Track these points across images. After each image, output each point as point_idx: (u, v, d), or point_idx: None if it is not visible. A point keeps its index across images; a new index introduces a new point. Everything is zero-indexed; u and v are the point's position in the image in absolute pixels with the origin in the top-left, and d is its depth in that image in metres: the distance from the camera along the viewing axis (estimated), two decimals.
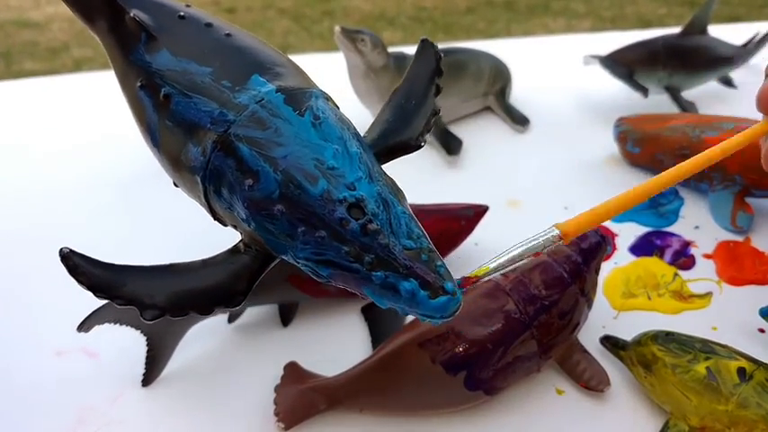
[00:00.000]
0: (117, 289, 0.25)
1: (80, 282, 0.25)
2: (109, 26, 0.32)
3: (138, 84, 0.30)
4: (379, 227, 0.24)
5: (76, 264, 0.25)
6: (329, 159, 0.25)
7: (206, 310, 0.25)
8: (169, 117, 0.28)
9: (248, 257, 0.27)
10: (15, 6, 2.76)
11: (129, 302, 0.25)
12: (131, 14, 0.30)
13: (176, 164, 0.28)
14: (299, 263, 0.25)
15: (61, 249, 0.25)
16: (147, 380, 0.36)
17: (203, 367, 0.37)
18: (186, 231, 0.44)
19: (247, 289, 0.26)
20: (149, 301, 0.25)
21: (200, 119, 0.27)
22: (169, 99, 0.28)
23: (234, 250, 0.27)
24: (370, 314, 0.39)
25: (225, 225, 0.29)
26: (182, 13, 0.31)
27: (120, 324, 0.34)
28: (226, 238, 0.30)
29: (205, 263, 0.27)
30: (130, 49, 0.30)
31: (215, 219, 0.29)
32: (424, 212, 0.40)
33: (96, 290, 0.25)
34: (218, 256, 0.27)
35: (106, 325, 0.34)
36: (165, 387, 0.36)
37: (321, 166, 0.25)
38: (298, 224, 0.24)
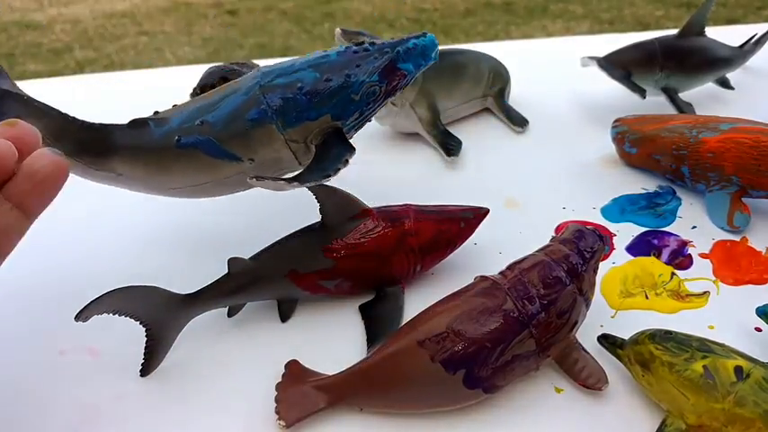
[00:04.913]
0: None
1: None
2: (125, 139, 0.38)
3: (176, 139, 0.37)
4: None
5: None
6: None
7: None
8: (215, 124, 0.37)
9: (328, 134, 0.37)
10: (19, 8, 2.77)
11: None
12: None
13: (247, 139, 0.37)
14: (362, 86, 0.37)
15: None
16: (146, 370, 0.36)
17: (204, 365, 0.37)
18: (181, 219, 0.44)
19: (349, 144, 0.37)
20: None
21: (238, 102, 0.37)
22: (205, 121, 0.37)
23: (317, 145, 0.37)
24: (367, 313, 0.40)
25: (300, 163, 0.39)
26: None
27: (119, 314, 0.34)
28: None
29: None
30: (147, 132, 0.38)
31: (297, 159, 0.38)
32: (423, 213, 0.41)
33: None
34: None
35: (109, 324, 0.34)
36: (166, 385, 0.36)
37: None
38: (346, 67, 0.37)
